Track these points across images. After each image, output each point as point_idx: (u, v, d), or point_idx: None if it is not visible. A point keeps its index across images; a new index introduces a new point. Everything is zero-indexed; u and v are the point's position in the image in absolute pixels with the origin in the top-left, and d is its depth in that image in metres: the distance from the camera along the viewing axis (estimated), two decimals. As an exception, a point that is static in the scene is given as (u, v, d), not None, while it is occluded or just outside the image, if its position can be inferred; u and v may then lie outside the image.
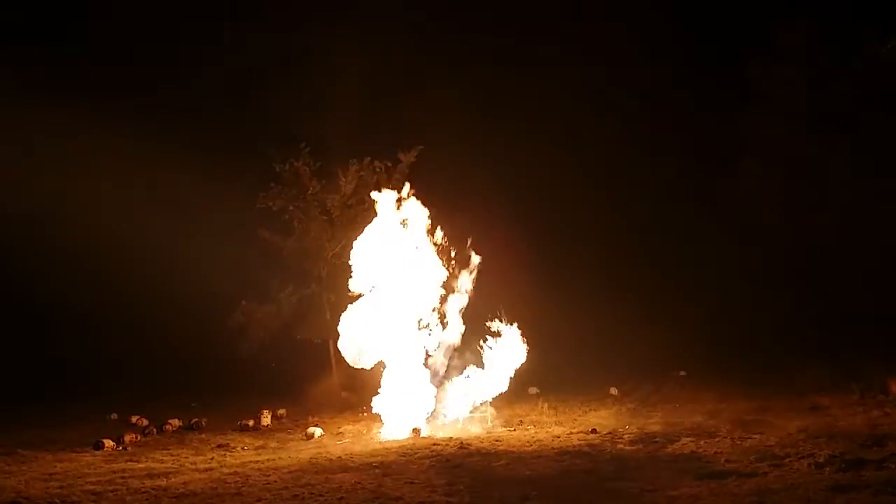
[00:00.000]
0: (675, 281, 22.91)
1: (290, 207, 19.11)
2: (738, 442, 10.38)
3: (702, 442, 10.52)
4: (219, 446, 12.69)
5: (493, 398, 14.24)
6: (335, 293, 19.47)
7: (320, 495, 8.25)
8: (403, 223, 14.74)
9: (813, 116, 19.36)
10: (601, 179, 24.24)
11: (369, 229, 14.88)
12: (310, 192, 19.09)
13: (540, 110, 25.40)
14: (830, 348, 16.85)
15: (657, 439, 11.12)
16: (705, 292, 21.96)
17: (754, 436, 10.69)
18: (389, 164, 19.25)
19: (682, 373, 18.24)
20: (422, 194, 19.00)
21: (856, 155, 18.89)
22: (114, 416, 16.67)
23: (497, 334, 14.31)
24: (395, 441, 12.37)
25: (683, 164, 23.54)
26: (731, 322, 20.66)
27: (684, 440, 10.74)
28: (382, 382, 14.54)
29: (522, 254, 22.41)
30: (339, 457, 10.97)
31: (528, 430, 13.05)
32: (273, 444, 12.81)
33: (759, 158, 20.21)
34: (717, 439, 10.68)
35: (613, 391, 17.00)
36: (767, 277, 21.07)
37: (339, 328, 14.62)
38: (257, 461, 10.95)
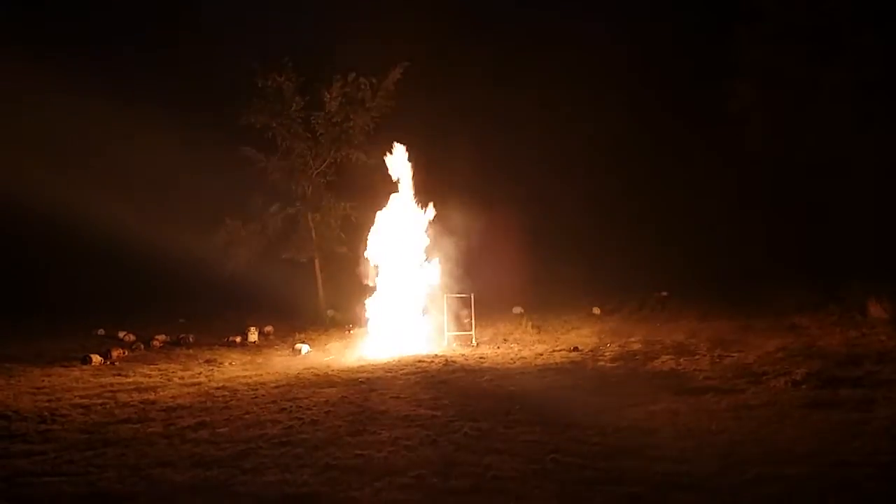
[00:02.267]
0: (659, 203, 22.93)
1: (273, 124, 18.80)
2: (717, 360, 10.58)
3: (681, 360, 10.72)
4: (206, 361, 12.80)
5: (478, 317, 14.40)
6: (320, 213, 19.41)
7: (307, 409, 8.37)
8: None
9: (804, 34, 19.01)
10: (588, 104, 23.91)
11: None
12: (293, 108, 18.75)
13: (528, 34, 24.92)
14: (811, 270, 17.03)
15: (637, 357, 11.34)
16: (689, 215, 22.00)
17: (733, 354, 10.90)
18: (374, 81, 18.93)
19: (664, 293, 18.46)
20: (407, 114, 18.90)
21: (847, 73, 18.65)
22: (101, 331, 16.73)
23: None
24: (380, 359, 12.52)
25: (671, 87, 23.25)
26: (713, 244, 20.79)
27: (664, 358, 10.94)
28: (369, 302, 14.67)
29: (509, 179, 22.36)
30: (326, 373, 11.12)
31: (511, 347, 13.25)
32: (260, 360, 12.94)
33: (747, 78, 19.94)
34: (696, 357, 10.88)
35: (596, 311, 17.24)
36: (751, 200, 21.10)
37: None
38: (245, 376, 11.08)
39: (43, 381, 11.07)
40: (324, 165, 19.31)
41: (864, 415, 7.02)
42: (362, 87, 18.78)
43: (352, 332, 15.86)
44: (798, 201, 19.19)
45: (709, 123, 21.29)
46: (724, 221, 20.73)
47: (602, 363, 11.08)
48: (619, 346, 12.51)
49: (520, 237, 20.82)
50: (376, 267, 14.66)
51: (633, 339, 13.04)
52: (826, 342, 11.52)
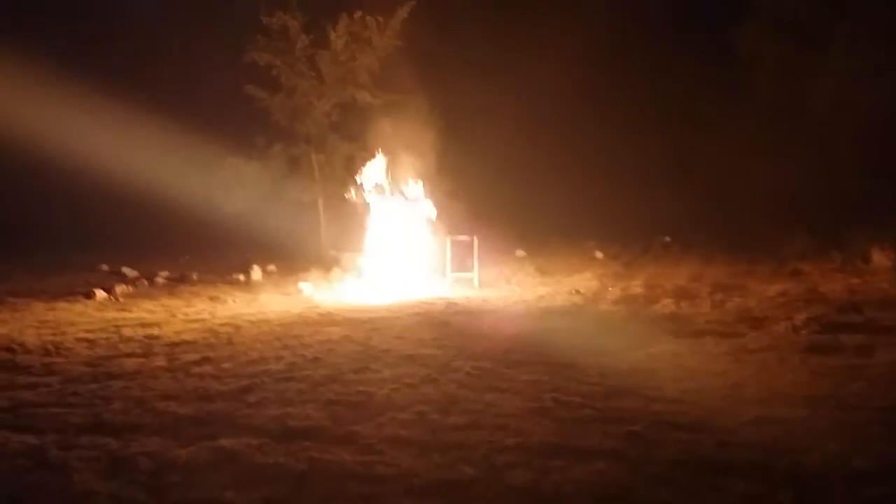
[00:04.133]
0: (664, 148, 22.73)
1: (278, 63, 18.55)
2: (719, 304, 10.61)
3: (682, 303, 10.75)
4: (210, 298, 12.87)
5: (480, 260, 14.41)
6: (324, 154, 19.29)
7: (310, 346, 8.43)
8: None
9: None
10: (597, 47, 23.49)
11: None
12: (298, 46, 18.48)
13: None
14: (815, 217, 16.98)
15: (639, 300, 11.38)
16: (694, 160, 21.83)
17: (734, 299, 10.93)
18: (381, 20, 18.61)
19: (667, 238, 18.45)
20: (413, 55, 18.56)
21: (860, 22, 18.28)
22: (104, 267, 16.81)
23: None
24: (383, 299, 12.57)
25: (680, 31, 22.82)
26: (718, 190, 20.68)
27: (665, 301, 10.97)
28: (370, 242, 14.68)
29: (514, 120, 22.11)
30: (329, 312, 11.18)
31: (514, 290, 13.29)
32: (263, 298, 12.99)
33: (758, 23, 19.57)
34: (697, 301, 10.91)
35: (598, 254, 17.25)
36: (758, 146, 20.91)
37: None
38: (248, 313, 11.15)
39: (47, 315, 11.17)
40: (328, 106, 19.10)
41: (864, 360, 7.05)
42: (368, 25, 18.48)
43: (354, 272, 15.89)
44: (805, 148, 18.99)
45: (717, 67, 20.97)
46: (730, 167, 20.55)
47: (604, 306, 11.13)
48: (621, 289, 12.54)
49: (523, 180, 20.73)
50: (369, 205, 14.69)
51: (634, 283, 13.07)
52: (828, 288, 11.52)
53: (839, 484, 4.20)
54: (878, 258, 13.42)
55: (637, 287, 12.66)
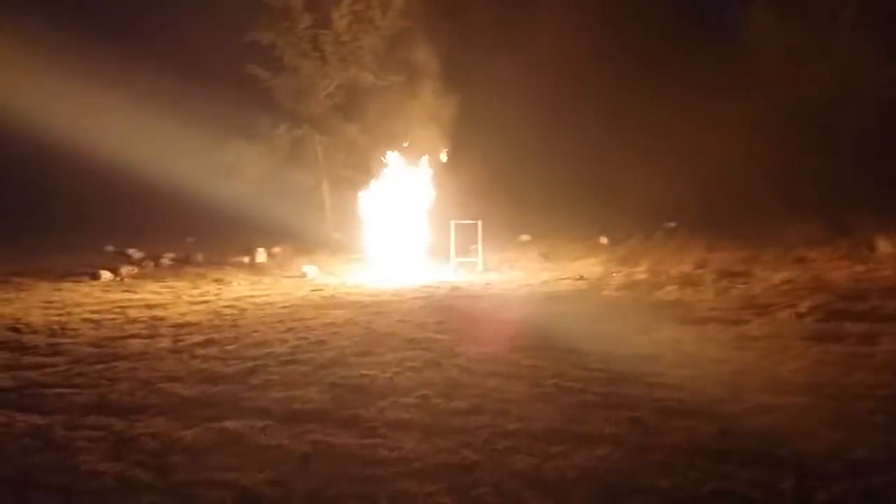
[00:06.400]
0: (670, 133, 22.60)
1: (280, 42, 18.47)
2: (723, 291, 10.58)
3: (686, 290, 10.74)
4: (215, 280, 12.91)
5: (484, 244, 14.42)
6: (328, 135, 19.25)
7: (314, 329, 8.46)
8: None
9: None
10: (604, 29, 23.31)
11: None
12: (301, 26, 18.40)
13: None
14: (822, 204, 16.89)
15: (643, 286, 11.36)
16: (700, 145, 21.71)
17: (739, 285, 10.91)
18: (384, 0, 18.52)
19: (672, 224, 18.40)
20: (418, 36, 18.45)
21: (868, 6, 18.13)
22: (110, 248, 16.86)
23: None
24: (387, 283, 12.59)
25: (685, 15, 22.65)
26: (724, 175, 20.57)
27: (669, 288, 10.96)
28: (372, 226, 14.69)
29: (520, 104, 21.97)
30: (332, 295, 11.21)
31: (518, 275, 13.29)
32: (267, 281, 13.03)
33: (764, 6, 19.43)
34: (701, 288, 10.89)
35: (603, 240, 17.23)
36: (764, 131, 20.78)
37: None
38: (253, 296, 11.19)
39: (53, 295, 11.22)
40: (332, 87, 19.04)
41: (868, 348, 7.04)
42: (371, 5, 18.37)
43: (358, 255, 15.92)
44: (810, 133, 18.87)
45: (723, 51, 20.82)
46: (735, 153, 20.44)
47: (607, 292, 11.12)
48: (625, 275, 12.54)
49: (529, 164, 20.65)
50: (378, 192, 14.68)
51: (639, 269, 13.05)
52: (833, 276, 11.48)
53: (841, 473, 4.21)
54: (884, 246, 13.36)
55: (641, 273, 12.64)
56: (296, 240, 17.92)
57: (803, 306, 8.95)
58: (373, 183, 14.97)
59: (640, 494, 4.02)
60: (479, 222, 14.31)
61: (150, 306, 10.21)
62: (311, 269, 13.87)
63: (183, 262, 15.22)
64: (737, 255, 13.94)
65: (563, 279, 12.44)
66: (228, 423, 5.12)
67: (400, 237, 14.33)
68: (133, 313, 9.66)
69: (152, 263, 14.85)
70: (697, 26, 22.17)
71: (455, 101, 16.93)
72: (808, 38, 18.80)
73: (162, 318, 9.31)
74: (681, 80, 22.54)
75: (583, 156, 22.16)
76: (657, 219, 18.62)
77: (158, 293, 11.53)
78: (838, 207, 16.09)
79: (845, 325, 8.01)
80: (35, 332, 8.52)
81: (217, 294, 11.43)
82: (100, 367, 6.83)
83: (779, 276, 11.48)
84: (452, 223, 14.42)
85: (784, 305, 9.17)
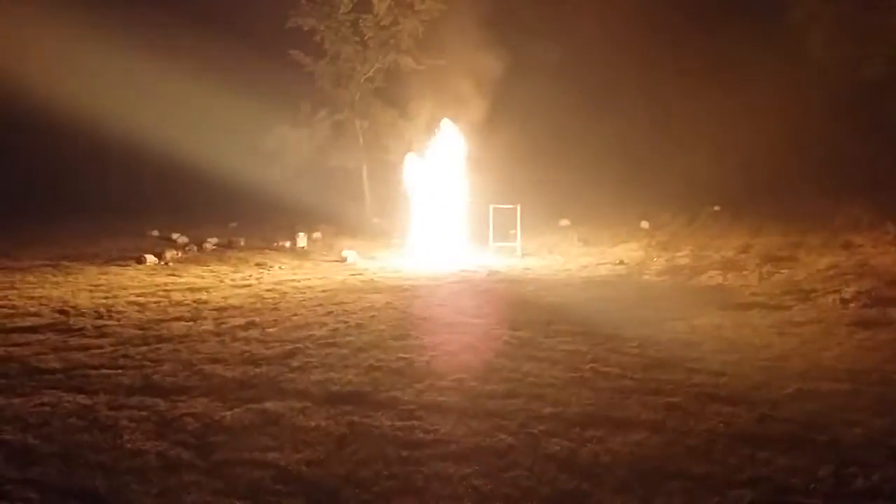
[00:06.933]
0: (715, 115, 22.20)
1: (321, 27, 18.58)
2: (766, 276, 10.43)
3: (729, 275, 10.60)
4: (256, 265, 13.10)
5: (523, 229, 14.37)
6: (368, 120, 19.33)
7: (353, 313, 8.54)
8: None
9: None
10: (646, 11, 22.94)
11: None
12: (341, 11, 18.47)
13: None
14: (870, 187, 16.46)
15: (684, 271, 11.25)
16: (745, 127, 21.29)
17: (783, 271, 10.73)
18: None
19: (716, 208, 18.13)
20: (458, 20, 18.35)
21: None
22: (154, 232, 17.19)
23: None
24: (425, 267, 12.63)
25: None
26: (768, 158, 20.16)
27: (711, 273, 10.83)
28: (415, 212, 14.73)
29: (560, 88, 21.77)
30: (372, 279, 11.29)
31: (557, 259, 13.24)
32: (308, 265, 13.17)
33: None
34: (744, 273, 10.74)
35: (644, 224, 17.05)
36: (811, 113, 20.29)
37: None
38: (293, 280, 11.32)
39: (100, 279, 11.48)
40: (372, 71, 19.11)
41: (913, 335, 6.90)
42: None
43: (398, 240, 16.00)
44: (860, 116, 18.37)
45: (770, 30, 20.33)
46: (781, 135, 20.00)
47: (647, 277, 11.03)
48: (667, 260, 12.42)
49: (570, 147, 20.48)
50: (417, 176, 14.70)
51: (680, 254, 12.91)
52: (879, 261, 11.23)
53: (882, 460, 4.14)
54: (934, 231, 13.03)
55: (683, 258, 12.51)
56: (336, 224, 18.07)
57: (848, 292, 8.78)
58: (413, 168, 14.99)
59: (675, 480, 4.00)
60: (518, 207, 14.26)
61: (193, 290, 10.39)
62: (350, 254, 13.99)
63: (226, 247, 15.45)
64: (781, 240, 13.70)
65: (602, 264, 12.36)
66: (268, 405, 5.21)
67: (439, 222, 14.35)
68: (177, 297, 9.84)
69: (196, 248, 15.11)
70: (741, 5, 21.66)
71: (495, 85, 16.85)
72: (856, 14, 18.25)
73: (205, 302, 9.48)
74: (723, 61, 22.11)
75: (624, 139, 21.91)
76: (700, 203, 18.34)
77: (201, 277, 11.74)
78: (887, 191, 15.67)
79: (890, 311, 7.85)
80: (82, 314, 8.73)
81: (258, 278, 11.59)
82: (144, 348, 7.00)
83: (824, 261, 11.27)
84: (491, 208, 14.40)
85: (828, 291, 9.01)
